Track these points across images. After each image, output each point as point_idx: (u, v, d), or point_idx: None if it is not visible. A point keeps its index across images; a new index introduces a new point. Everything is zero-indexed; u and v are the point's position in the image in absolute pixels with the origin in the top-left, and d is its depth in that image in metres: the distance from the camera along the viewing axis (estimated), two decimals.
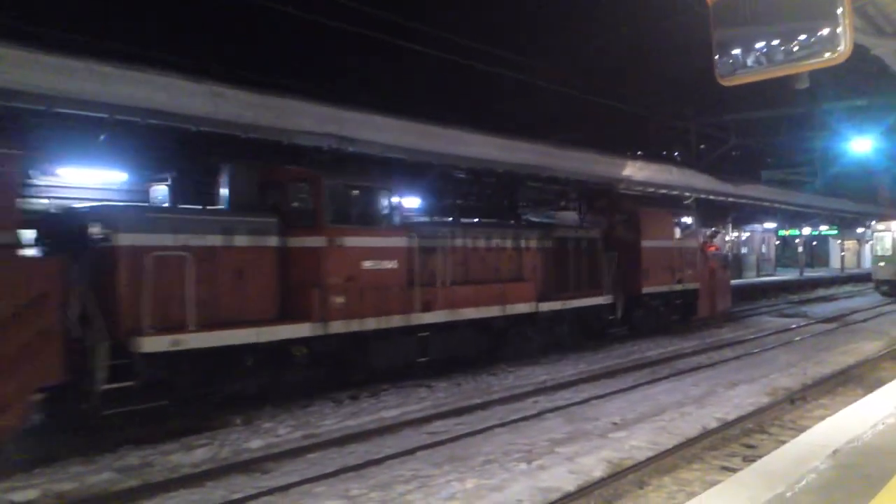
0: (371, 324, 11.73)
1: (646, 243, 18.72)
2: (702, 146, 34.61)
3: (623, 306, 18.15)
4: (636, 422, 10.01)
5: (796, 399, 11.25)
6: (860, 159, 36.08)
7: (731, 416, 10.10)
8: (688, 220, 21.10)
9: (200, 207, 11.20)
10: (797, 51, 4.16)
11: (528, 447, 8.83)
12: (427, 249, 12.88)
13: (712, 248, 23.08)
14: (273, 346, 10.60)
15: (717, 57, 4.57)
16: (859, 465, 5.30)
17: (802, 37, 4.24)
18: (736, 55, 4.46)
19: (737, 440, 9.25)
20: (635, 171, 23.95)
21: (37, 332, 7.95)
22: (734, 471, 7.84)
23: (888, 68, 9.97)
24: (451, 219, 15.39)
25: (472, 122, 19.82)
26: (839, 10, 3.76)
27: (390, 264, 12.15)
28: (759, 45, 4.43)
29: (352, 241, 11.57)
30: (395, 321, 12.15)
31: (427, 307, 12.74)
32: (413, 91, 29.59)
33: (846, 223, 46.02)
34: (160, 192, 13.02)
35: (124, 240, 9.30)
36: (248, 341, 10.21)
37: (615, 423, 9.97)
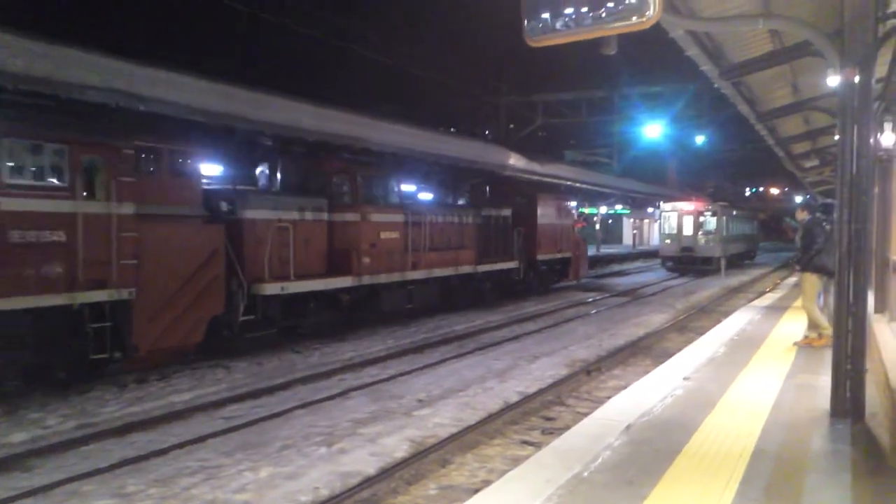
0: (384, 278, 15.94)
1: (540, 221, 23.60)
2: (511, 125, 35.60)
3: (524, 269, 22.77)
4: (441, 398, 9.90)
5: (592, 370, 11.67)
6: (653, 144, 38.81)
7: (532, 390, 10.25)
8: (565, 202, 26.51)
9: (285, 191, 14.89)
10: (605, 16, 3.97)
11: (330, 429, 8.40)
12: (414, 223, 17.09)
13: (580, 225, 28.65)
14: (328, 293, 14.55)
15: (525, 20, 4.31)
16: (651, 439, 5.37)
17: (610, 3, 4.07)
18: (545, 18, 4.22)
19: (536, 413, 9.36)
20: (454, 147, 24.15)
21: (212, 277, 11.66)
22: (534, 444, 7.91)
23: (681, 54, 10.46)
24: (426, 200, 20.48)
25: (282, 87, 18.88)
26: None
27: (395, 234, 16.44)
28: (568, 9, 4.22)
29: (375, 217, 15.82)
30: (397, 276, 16.43)
31: (415, 267, 17.06)
32: (214, 49, 27.89)
33: (639, 203, 49.52)
34: None
35: (247, 214, 12.84)
36: (319, 289, 14.20)
37: (420, 400, 9.79)
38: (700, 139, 40.62)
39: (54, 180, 9.74)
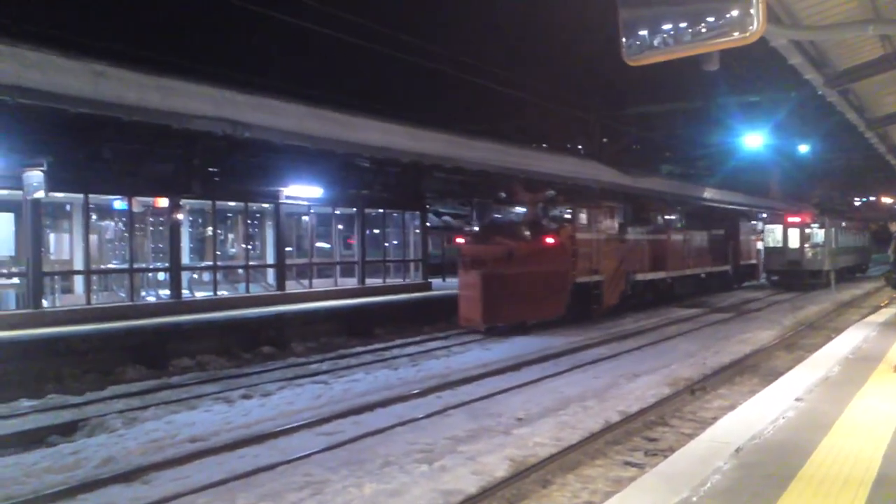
0: (677, 273, 26.51)
1: (741, 237, 34.32)
2: (604, 139, 35.18)
3: (732, 271, 33.44)
4: (540, 416, 9.82)
5: (696, 390, 11.32)
6: (753, 154, 37.48)
7: (633, 409, 10.01)
8: (753, 223, 37.54)
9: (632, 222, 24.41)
10: (705, 32, 3.91)
11: (430, 447, 8.48)
12: (686, 240, 27.78)
13: (758, 240, 37.09)
14: (651, 281, 24.54)
15: (623, 38, 4.29)
16: (762, 463, 5.17)
17: (710, 18, 4.00)
18: (643, 36, 4.18)
19: (639, 433, 9.16)
20: (552, 164, 24.29)
21: (623, 271, 22.05)
22: (637, 465, 7.76)
23: (782, 63, 10.11)
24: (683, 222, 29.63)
25: (375, 110, 19.37)
26: None
27: (680, 247, 27.04)
28: (667, 26, 4.18)
29: (674, 237, 26.59)
30: (681, 272, 26.98)
31: (686, 266, 27.46)
32: (309, 76, 28.77)
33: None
34: (35, 178, 12.08)
35: (628, 236, 22.73)
36: (652, 278, 24.47)
37: (519, 419, 9.75)
38: (804, 148, 38.99)
39: (583, 224, 20.40)
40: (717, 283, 31.60)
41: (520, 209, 20.72)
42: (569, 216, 20.09)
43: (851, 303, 26.60)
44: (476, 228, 21.00)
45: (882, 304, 21.26)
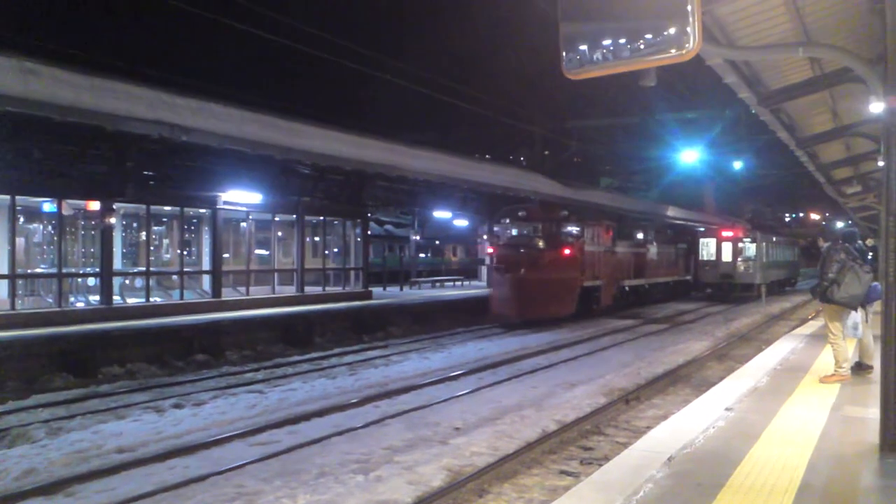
0: (651, 280, 31.10)
1: (698, 252, 36.73)
2: (546, 151, 35.62)
3: (692, 280, 37.37)
4: (477, 426, 9.83)
5: (630, 399, 11.50)
6: (689, 169, 38.47)
7: (570, 418, 10.12)
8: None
9: (618, 238, 27.92)
10: (643, 49, 3.98)
11: (366, 457, 8.39)
12: (658, 253, 31.94)
13: None
14: (634, 287, 29.20)
15: (563, 53, 4.33)
16: (693, 472, 5.27)
17: (648, 35, 4.08)
18: (583, 50, 4.23)
19: (574, 442, 9.25)
20: (488, 174, 24.44)
21: (615, 278, 27.12)
22: (572, 474, 7.81)
23: (718, 82, 10.40)
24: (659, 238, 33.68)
25: (321, 116, 19.19)
26: (689, 8, 3.61)
27: (654, 258, 31.53)
28: (606, 41, 4.24)
29: (651, 250, 31.22)
30: (654, 280, 31.58)
31: (656, 275, 31.69)
32: (256, 81, 28.41)
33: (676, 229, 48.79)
34: None
35: (617, 248, 27.26)
36: (635, 284, 29.19)
37: (457, 428, 9.73)
38: (737, 164, 40.18)
39: (588, 239, 24.57)
40: (682, 289, 36.59)
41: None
42: (578, 231, 23.78)
43: (781, 315, 27.45)
44: (510, 234, 24.05)
45: (809, 317, 22.01)
